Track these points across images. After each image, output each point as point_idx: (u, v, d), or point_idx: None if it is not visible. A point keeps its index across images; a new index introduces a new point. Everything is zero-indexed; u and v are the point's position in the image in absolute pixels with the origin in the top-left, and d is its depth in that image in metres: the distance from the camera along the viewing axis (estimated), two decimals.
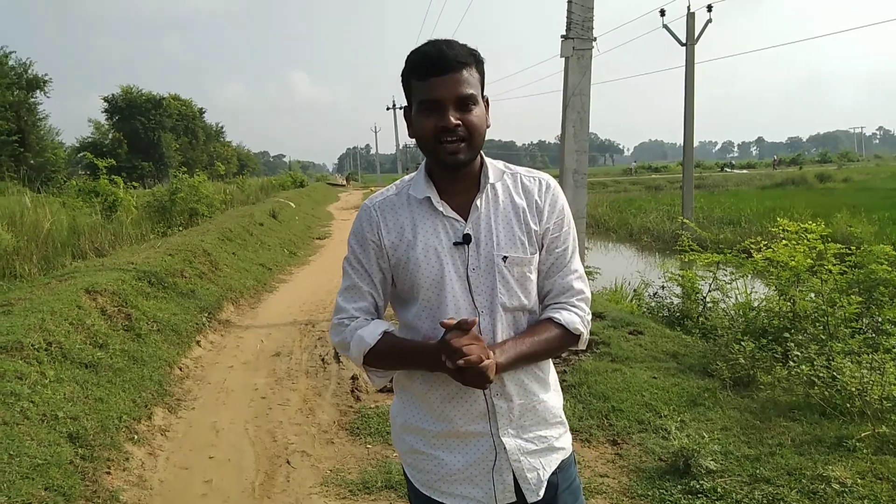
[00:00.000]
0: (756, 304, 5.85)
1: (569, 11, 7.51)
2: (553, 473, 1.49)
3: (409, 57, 1.41)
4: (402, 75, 1.43)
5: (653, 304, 7.47)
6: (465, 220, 1.44)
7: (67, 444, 3.48)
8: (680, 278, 7.04)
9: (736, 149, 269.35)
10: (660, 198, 29.21)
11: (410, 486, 1.55)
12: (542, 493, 1.46)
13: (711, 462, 3.19)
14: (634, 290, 8.88)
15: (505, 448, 1.44)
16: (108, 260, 7.75)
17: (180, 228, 12.24)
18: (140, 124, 47.58)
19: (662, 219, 20.25)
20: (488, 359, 1.29)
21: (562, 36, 7.53)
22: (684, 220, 9.98)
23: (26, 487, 2.95)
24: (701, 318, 6.24)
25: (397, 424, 1.57)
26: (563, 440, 1.55)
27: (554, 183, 1.52)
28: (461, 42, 1.39)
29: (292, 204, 20.58)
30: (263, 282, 9.40)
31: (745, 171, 57.19)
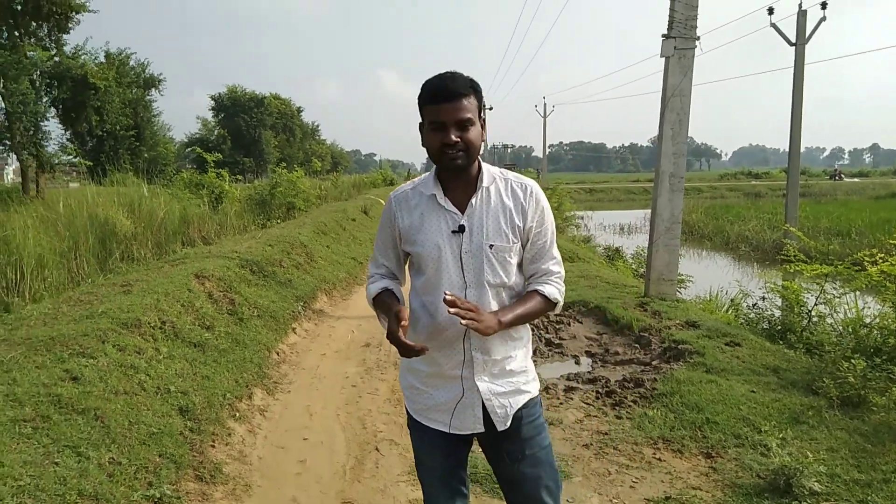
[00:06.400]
0: (868, 320, 5.47)
1: (671, 10, 7.29)
2: (519, 409, 1.89)
3: (423, 86, 1.78)
4: (418, 99, 1.79)
5: (752, 315, 7.12)
6: (463, 214, 1.83)
7: (178, 417, 3.74)
8: (783, 289, 6.68)
9: (847, 155, 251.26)
10: (760, 205, 27.74)
11: (408, 413, 2.02)
12: (508, 423, 1.87)
13: (816, 483, 3.02)
14: (731, 300, 8.49)
15: (478, 389, 1.85)
16: (214, 248, 8.24)
17: (279, 221, 12.82)
18: (243, 122, 50.10)
19: (763, 227, 19.23)
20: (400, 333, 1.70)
21: (663, 35, 7.32)
22: (789, 229, 9.44)
23: (143, 453, 3.21)
24: (805, 333, 5.89)
25: (403, 366, 2.01)
26: (529, 385, 1.95)
27: (537, 188, 1.91)
28: (464, 75, 1.78)
29: (382, 201, 21.04)
30: (355, 275, 9.71)
31: (856, 180, 53.35)
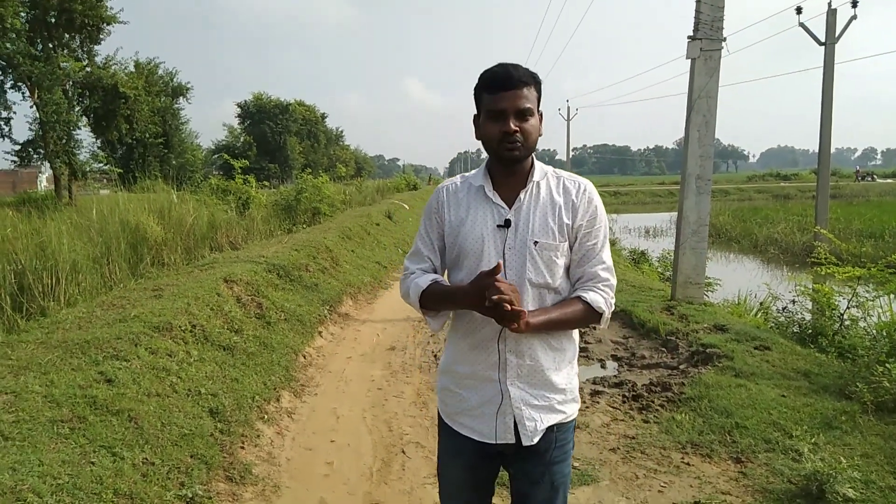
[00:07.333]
0: None
1: (697, 11, 7.24)
2: (550, 429, 1.77)
3: (482, 75, 1.73)
4: (475, 89, 1.75)
5: (781, 318, 7.01)
6: (510, 208, 1.75)
7: (208, 418, 3.81)
8: (814, 293, 6.56)
9: (879, 156, 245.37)
10: (789, 207, 27.30)
11: (439, 417, 1.93)
12: (536, 439, 1.75)
13: (850, 489, 2.96)
14: (761, 304, 8.37)
15: (510, 395, 1.74)
16: (241, 253, 8.36)
17: (304, 226, 12.94)
18: (268, 128, 50.67)
19: (792, 230, 18.91)
20: (516, 298, 1.59)
21: (688, 37, 7.27)
22: (820, 231, 9.28)
23: (175, 454, 3.27)
24: (837, 337, 5.79)
25: (441, 368, 1.93)
26: (567, 406, 1.81)
27: (591, 187, 1.81)
28: (524, 66, 1.71)
29: (406, 206, 21.16)
30: (379, 279, 9.76)
31: (889, 181, 52.16)
